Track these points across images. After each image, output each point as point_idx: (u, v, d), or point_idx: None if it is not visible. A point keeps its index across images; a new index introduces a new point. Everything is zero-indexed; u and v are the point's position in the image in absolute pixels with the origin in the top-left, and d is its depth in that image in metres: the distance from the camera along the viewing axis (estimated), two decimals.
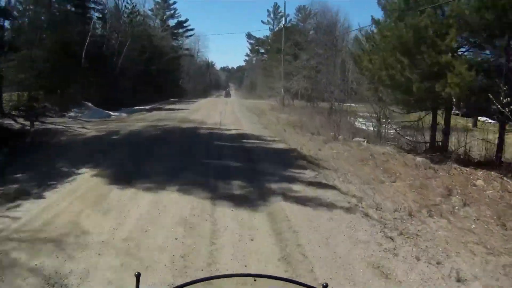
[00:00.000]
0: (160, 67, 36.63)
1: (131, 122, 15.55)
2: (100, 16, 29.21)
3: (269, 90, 42.25)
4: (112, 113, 20.74)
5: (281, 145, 11.35)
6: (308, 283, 1.40)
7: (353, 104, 24.05)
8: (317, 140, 13.51)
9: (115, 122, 16.05)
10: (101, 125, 14.96)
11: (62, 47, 19.58)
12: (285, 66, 29.93)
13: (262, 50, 69.00)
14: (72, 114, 19.57)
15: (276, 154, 10.12)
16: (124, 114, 20.06)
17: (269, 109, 27.75)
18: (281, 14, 63.24)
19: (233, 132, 13.39)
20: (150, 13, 55.54)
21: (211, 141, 11.23)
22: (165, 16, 58.50)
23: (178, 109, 23.19)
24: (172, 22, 58.46)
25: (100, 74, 23.77)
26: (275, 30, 63.21)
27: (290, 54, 30.71)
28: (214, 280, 1.43)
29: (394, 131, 15.98)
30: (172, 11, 58.84)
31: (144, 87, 31.11)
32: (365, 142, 12.98)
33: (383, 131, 17.53)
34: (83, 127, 14.29)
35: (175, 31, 59.47)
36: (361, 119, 23.09)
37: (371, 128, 19.93)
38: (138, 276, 1.39)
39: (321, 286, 1.27)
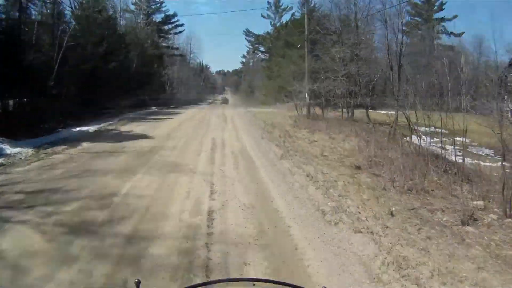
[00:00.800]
0: (136, 65, 26.60)
1: None
2: None
3: (278, 95, 32.29)
4: (10, 149, 10.60)
5: None
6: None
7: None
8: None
9: None
10: None
11: None
12: (310, 61, 19.87)
13: (262, 49, 59.33)
14: None
15: None
16: (27, 151, 9.83)
17: (291, 124, 17.63)
18: (283, 6, 54.10)
19: None
20: (132, 7, 46.16)
21: None
22: (150, 11, 48.67)
23: (135, 138, 12.17)
24: (159, 18, 48.71)
25: (13, 76, 13.67)
26: (277, 24, 53.86)
27: (317, 42, 20.62)
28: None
29: None
30: (157, 4, 48.83)
31: (106, 94, 21.05)
32: None
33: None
34: None
35: (162, 27, 49.48)
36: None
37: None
38: (138, 283, 1.26)
39: None
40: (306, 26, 19.73)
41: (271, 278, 1.35)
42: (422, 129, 14.66)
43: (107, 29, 19.27)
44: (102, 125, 15.11)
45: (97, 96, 19.92)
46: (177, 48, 50.73)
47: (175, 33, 50.45)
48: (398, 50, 15.71)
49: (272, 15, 53.81)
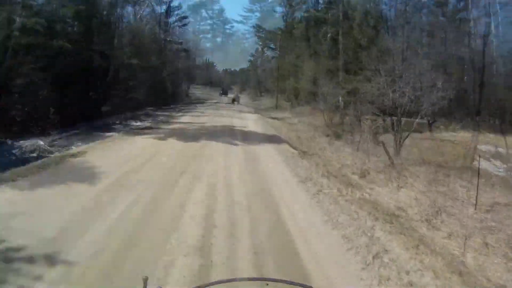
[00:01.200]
0: (129, 59, 22.10)
1: None
2: None
3: (294, 99, 27.79)
4: None
5: None
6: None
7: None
8: None
9: None
10: None
11: None
12: (343, 58, 15.19)
13: (272, 46, 54.65)
14: None
15: None
16: None
17: (327, 143, 13.04)
18: (296, 1, 49.52)
19: None
20: None
21: None
22: (153, 2, 44.21)
23: (69, 179, 7.16)
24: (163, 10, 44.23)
25: None
26: (289, 20, 49.36)
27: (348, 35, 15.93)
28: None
29: None
30: None
31: (94, 94, 16.60)
32: None
33: None
34: None
35: (166, 19, 45.05)
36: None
37: None
38: (145, 280, 1.23)
39: None
40: (340, 19, 15.00)
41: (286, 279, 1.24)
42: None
43: (83, 4, 14.45)
44: (60, 136, 10.61)
45: (79, 96, 15.44)
46: (180, 43, 46.16)
47: (179, 26, 45.91)
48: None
49: (285, 11, 49.39)
